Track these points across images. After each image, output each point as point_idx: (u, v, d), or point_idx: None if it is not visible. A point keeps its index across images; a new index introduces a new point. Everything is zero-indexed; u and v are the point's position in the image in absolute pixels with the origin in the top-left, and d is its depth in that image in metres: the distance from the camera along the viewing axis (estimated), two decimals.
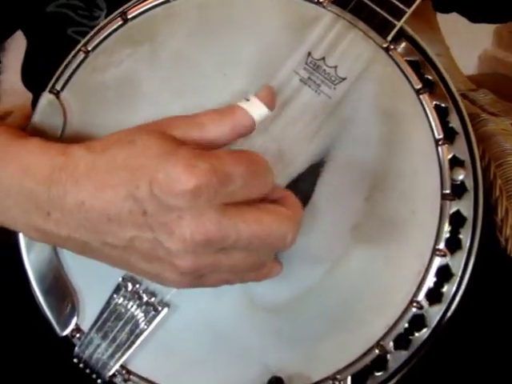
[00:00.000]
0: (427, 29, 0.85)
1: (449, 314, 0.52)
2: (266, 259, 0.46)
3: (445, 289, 0.52)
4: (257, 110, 0.46)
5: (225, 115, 0.45)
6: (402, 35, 0.53)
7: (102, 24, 0.54)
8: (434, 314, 0.51)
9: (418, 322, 0.51)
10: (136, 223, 0.42)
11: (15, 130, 0.48)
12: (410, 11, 0.51)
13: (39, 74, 0.56)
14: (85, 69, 0.54)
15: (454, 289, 0.52)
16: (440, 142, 0.51)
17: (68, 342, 0.53)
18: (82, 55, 0.54)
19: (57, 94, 0.54)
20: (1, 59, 0.83)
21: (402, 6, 0.51)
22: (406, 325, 0.51)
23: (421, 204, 0.51)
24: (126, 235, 0.43)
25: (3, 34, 0.67)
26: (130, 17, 0.54)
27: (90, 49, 0.54)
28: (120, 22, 0.54)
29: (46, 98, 0.54)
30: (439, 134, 0.51)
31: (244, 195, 0.43)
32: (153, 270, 0.44)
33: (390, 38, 0.52)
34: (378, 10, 0.51)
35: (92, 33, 0.54)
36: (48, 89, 0.54)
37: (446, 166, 0.51)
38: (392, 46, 0.51)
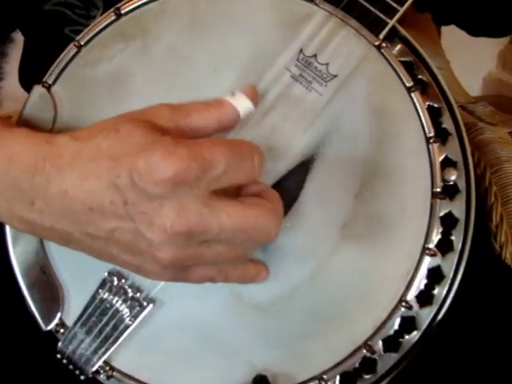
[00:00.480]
0: (428, 43, 0.85)
1: (439, 316, 0.51)
2: (249, 252, 0.46)
3: (436, 291, 0.51)
4: (242, 103, 0.46)
5: (211, 106, 0.45)
6: (395, 36, 0.53)
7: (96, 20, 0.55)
8: (425, 316, 0.51)
9: (408, 324, 0.51)
10: (117, 213, 0.42)
11: (3, 120, 0.48)
12: (402, 10, 0.51)
13: (35, 74, 0.56)
14: (77, 63, 0.54)
15: (445, 291, 0.51)
16: (431, 140, 0.50)
17: (52, 336, 0.52)
18: (74, 49, 0.54)
19: (48, 88, 0.54)
20: (2, 65, 0.84)
21: (394, 4, 0.51)
22: (396, 327, 0.50)
23: (411, 202, 0.50)
24: (108, 226, 0.42)
25: (1, 33, 0.68)
26: (123, 12, 0.54)
27: (82, 43, 0.54)
28: (113, 17, 0.54)
29: (38, 91, 0.54)
30: (430, 132, 0.50)
31: (229, 180, 0.42)
32: (135, 261, 0.44)
33: (382, 36, 0.51)
34: (371, 7, 0.51)
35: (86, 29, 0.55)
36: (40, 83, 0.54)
37: (437, 164, 0.50)
38: (384, 44, 0.51)
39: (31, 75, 0.67)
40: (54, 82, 0.54)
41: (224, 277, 0.47)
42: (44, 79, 0.54)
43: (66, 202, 0.42)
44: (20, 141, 0.45)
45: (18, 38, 0.84)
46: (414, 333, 0.50)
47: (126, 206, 0.41)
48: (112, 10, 0.54)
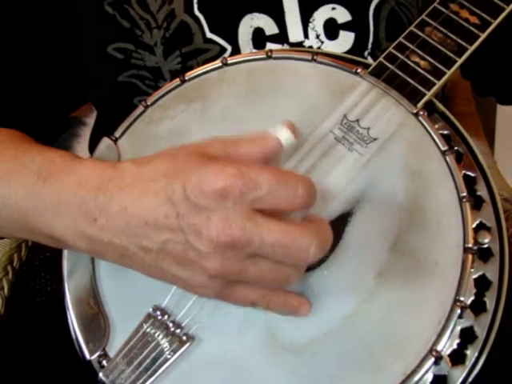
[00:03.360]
0: (475, 140, 0.90)
1: (471, 377, 0.51)
2: (291, 277, 0.48)
3: (468, 351, 0.52)
4: (284, 135, 0.50)
5: (257, 138, 0.50)
6: (434, 110, 0.58)
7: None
8: (457, 375, 0.51)
9: (440, 382, 0.51)
10: (170, 226, 0.46)
11: (73, 154, 0.54)
12: (439, 83, 0.57)
13: None
14: (142, 120, 0.60)
15: (478, 352, 0.52)
16: (464, 200, 0.53)
17: (91, 366, 0.55)
18: (141, 109, 0.60)
19: (115, 141, 0.60)
20: (74, 144, 0.91)
21: (431, 77, 0.56)
22: None
23: (443, 255, 0.52)
24: (160, 238, 0.46)
25: (76, 102, 0.75)
26: (187, 78, 0.61)
27: (148, 103, 0.60)
28: (178, 82, 0.61)
29: (105, 142, 0.60)
30: (463, 192, 0.54)
31: (271, 201, 0.45)
32: (184, 274, 0.47)
33: (420, 105, 0.56)
34: (410, 80, 0.57)
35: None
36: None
37: (469, 221, 0.53)
38: (421, 112, 0.56)
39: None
40: (121, 135, 0.60)
41: (266, 303, 0.49)
42: (112, 133, 0.60)
43: (124, 218, 0.47)
44: (89, 167, 0.51)
45: (90, 121, 0.93)
46: None
47: (177, 218, 0.45)
48: (178, 76, 0.61)
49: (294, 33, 0.66)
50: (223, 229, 0.44)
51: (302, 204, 0.46)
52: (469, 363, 0.52)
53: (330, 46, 0.66)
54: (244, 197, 0.44)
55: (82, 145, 0.92)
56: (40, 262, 0.68)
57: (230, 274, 0.46)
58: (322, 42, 0.66)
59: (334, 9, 0.66)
